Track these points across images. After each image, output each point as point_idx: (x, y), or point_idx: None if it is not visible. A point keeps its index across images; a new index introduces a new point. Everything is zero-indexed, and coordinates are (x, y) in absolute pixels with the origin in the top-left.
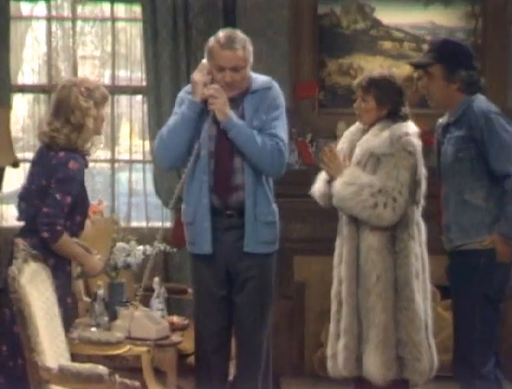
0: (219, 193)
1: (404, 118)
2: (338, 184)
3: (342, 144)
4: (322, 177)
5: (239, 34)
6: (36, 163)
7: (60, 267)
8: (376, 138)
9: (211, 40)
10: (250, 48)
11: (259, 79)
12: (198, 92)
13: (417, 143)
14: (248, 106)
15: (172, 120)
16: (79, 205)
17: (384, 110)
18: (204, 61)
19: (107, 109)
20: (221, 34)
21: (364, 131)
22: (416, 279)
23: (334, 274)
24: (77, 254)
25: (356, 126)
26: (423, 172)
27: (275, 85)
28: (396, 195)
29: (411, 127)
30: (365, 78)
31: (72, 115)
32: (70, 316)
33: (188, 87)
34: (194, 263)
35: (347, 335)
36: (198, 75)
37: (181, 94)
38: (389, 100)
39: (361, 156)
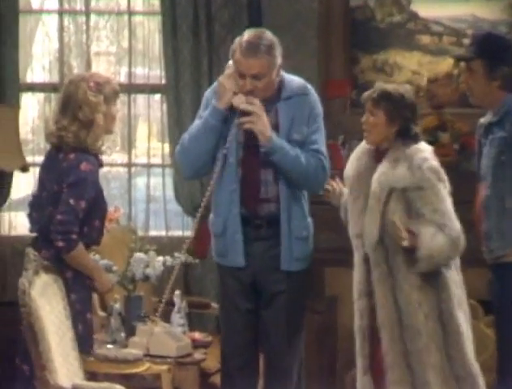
0: (247, 204)
1: (415, 139)
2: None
3: (348, 170)
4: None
5: (265, 37)
6: (45, 167)
7: (78, 280)
8: (394, 171)
9: (236, 42)
10: (277, 52)
11: (293, 83)
12: (224, 99)
13: (437, 164)
14: (283, 115)
15: (194, 126)
16: (96, 209)
17: (394, 127)
18: (231, 63)
19: (118, 106)
20: (245, 37)
21: (371, 155)
22: (460, 309)
23: (355, 308)
24: (90, 267)
25: (362, 148)
26: (448, 191)
27: (311, 90)
28: (459, 227)
29: (426, 150)
30: (377, 90)
31: (80, 111)
32: (90, 333)
33: (216, 86)
34: (221, 275)
35: (400, 386)
36: (226, 80)
37: (208, 94)
38: (400, 116)
39: (380, 192)
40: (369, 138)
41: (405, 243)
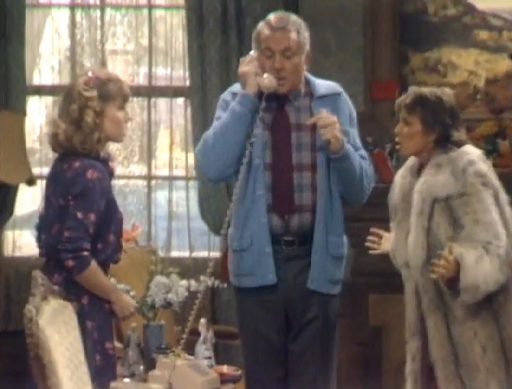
0: (280, 212)
1: (459, 145)
2: (468, 271)
3: (393, 193)
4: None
5: (293, 16)
6: (50, 181)
7: (96, 306)
8: (435, 178)
9: (260, 24)
10: (306, 34)
11: (321, 82)
12: (250, 83)
13: (486, 168)
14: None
15: (217, 123)
16: (109, 221)
17: (432, 136)
18: (252, 52)
19: (133, 112)
20: (271, 15)
21: (414, 171)
22: None
23: (406, 348)
24: (107, 288)
25: (406, 165)
26: (504, 198)
27: (343, 91)
28: (499, 241)
29: (472, 152)
30: (411, 94)
31: (71, 105)
32: (110, 365)
33: (234, 88)
34: (243, 301)
35: None
36: (245, 66)
37: (226, 96)
38: (438, 123)
39: (422, 204)
40: (404, 150)
41: (434, 276)
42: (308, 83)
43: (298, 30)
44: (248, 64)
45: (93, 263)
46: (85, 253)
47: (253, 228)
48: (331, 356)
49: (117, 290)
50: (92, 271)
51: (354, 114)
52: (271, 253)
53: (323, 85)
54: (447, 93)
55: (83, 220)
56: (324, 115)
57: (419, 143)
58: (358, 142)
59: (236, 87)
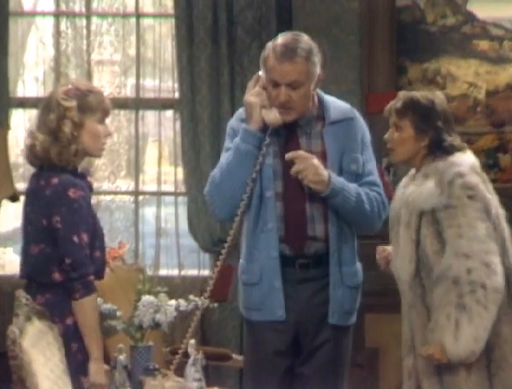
0: (292, 244)
1: (450, 151)
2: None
3: (393, 204)
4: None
5: (303, 40)
6: (29, 198)
7: None
8: (421, 190)
9: (267, 48)
10: (317, 59)
11: (337, 105)
12: (255, 118)
13: (477, 180)
14: (331, 142)
15: (224, 158)
16: (95, 237)
17: (424, 141)
18: (260, 73)
19: (120, 124)
20: (280, 40)
21: (413, 179)
22: None
23: (403, 366)
24: (95, 331)
25: (408, 175)
26: (500, 213)
27: (357, 113)
28: (489, 258)
29: (463, 163)
30: (401, 98)
31: (49, 115)
32: (95, 387)
33: (241, 113)
34: (253, 333)
35: None
36: (252, 95)
37: (234, 124)
38: (430, 127)
39: (409, 217)
40: (395, 156)
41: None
42: (320, 103)
43: (307, 57)
44: (256, 96)
45: (96, 292)
46: (91, 277)
47: (264, 263)
48: (341, 382)
49: (101, 350)
50: (94, 300)
51: (367, 138)
52: (281, 288)
53: (336, 109)
54: (439, 97)
55: (80, 243)
56: (301, 156)
57: (411, 148)
58: (369, 167)
59: (244, 112)
